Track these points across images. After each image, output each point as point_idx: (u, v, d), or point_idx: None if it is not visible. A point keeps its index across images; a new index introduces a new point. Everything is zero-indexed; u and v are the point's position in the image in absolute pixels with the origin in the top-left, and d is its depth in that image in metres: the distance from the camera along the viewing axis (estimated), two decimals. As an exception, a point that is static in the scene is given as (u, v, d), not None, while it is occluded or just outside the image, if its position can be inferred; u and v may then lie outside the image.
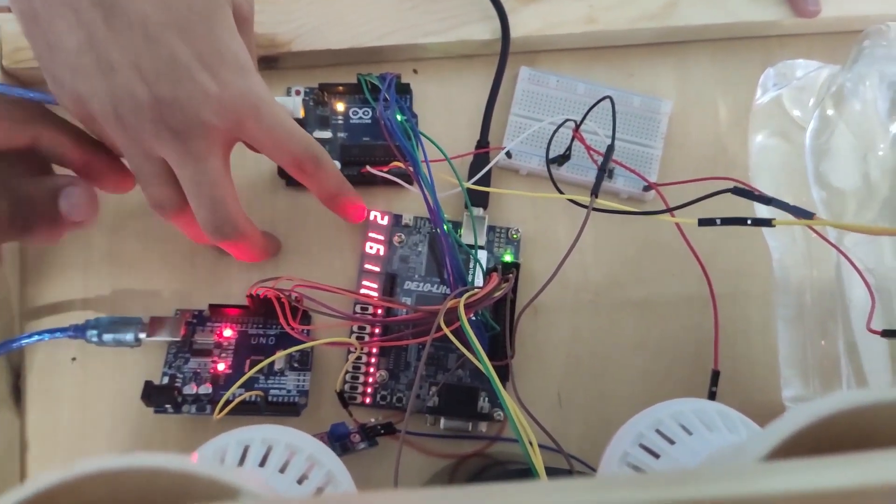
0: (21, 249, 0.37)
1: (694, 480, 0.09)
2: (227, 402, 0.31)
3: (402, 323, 0.34)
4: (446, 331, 0.29)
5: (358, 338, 0.36)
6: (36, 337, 0.35)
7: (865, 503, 0.08)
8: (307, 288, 0.33)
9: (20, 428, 0.36)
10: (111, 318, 0.35)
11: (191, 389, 0.34)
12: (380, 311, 0.36)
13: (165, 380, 0.34)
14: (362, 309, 0.36)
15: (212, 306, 0.36)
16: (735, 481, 0.08)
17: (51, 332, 0.35)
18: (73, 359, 0.36)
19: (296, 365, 0.35)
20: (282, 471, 0.21)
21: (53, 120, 0.31)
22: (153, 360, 0.36)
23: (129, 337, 0.35)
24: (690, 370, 0.37)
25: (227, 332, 0.35)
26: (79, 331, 0.35)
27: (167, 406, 0.34)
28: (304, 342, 0.33)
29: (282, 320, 0.33)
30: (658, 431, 0.20)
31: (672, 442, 0.20)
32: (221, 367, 0.35)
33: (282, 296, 0.34)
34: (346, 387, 0.35)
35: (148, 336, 0.35)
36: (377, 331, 0.36)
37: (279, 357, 0.34)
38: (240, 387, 0.33)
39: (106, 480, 0.10)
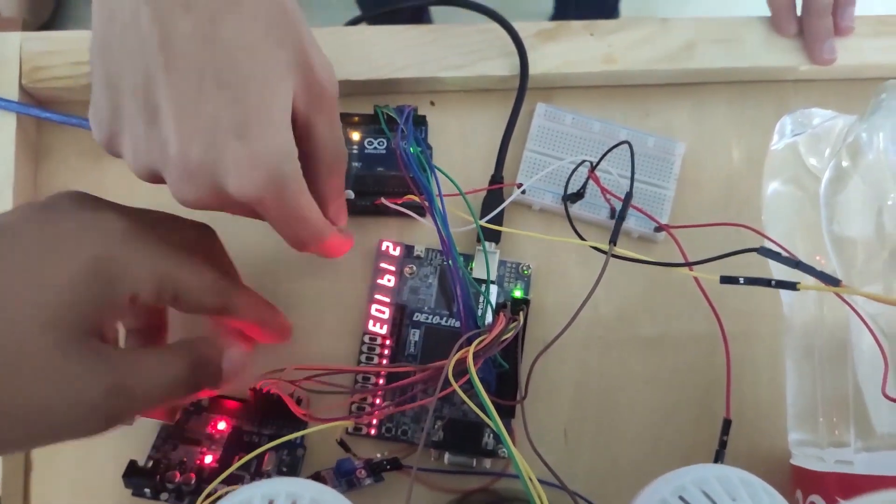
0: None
1: None
2: (209, 495, 0.30)
3: (410, 385, 0.34)
4: (456, 387, 0.28)
5: (360, 406, 0.36)
6: None
7: None
8: (312, 370, 0.33)
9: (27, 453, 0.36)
10: None
11: (173, 477, 0.32)
12: (383, 380, 0.36)
13: (150, 463, 0.33)
14: (367, 358, 0.36)
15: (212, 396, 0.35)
16: None
17: None
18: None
19: (284, 469, 0.34)
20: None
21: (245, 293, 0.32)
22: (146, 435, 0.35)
23: None
24: (698, 410, 0.37)
25: (221, 426, 0.35)
26: None
27: (146, 490, 0.33)
28: (297, 431, 0.33)
29: (293, 408, 0.33)
30: (682, 498, 0.20)
31: (694, 509, 0.20)
32: (209, 459, 0.34)
33: (284, 396, 0.33)
34: (350, 425, 0.35)
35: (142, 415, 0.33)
36: (382, 381, 0.36)
37: (266, 448, 0.33)
38: (223, 482, 0.32)
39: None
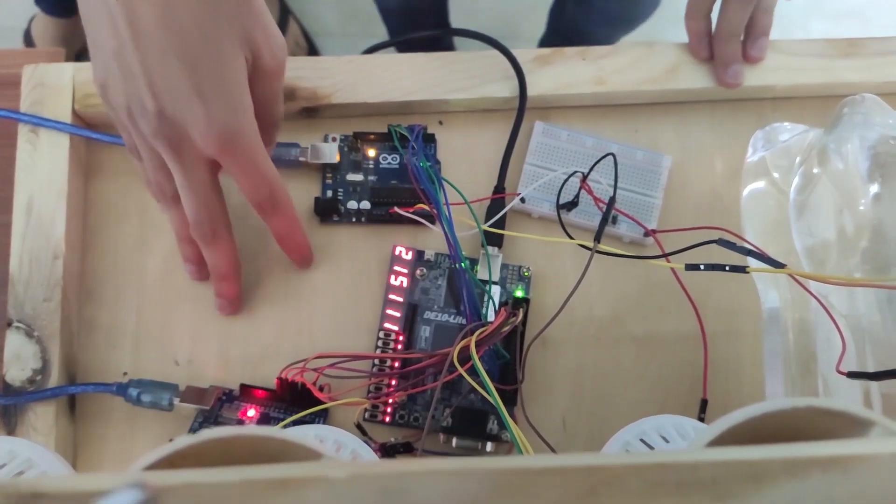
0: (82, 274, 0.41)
1: (660, 455, 0.12)
2: None
3: (420, 370, 0.38)
4: (461, 371, 0.32)
5: (377, 387, 0.39)
6: (82, 388, 0.39)
7: (763, 470, 0.11)
8: (333, 357, 0.37)
9: (74, 435, 0.39)
10: (151, 381, 0.38)
11: None
12: (397, 364, 0.39)
13: None
14: (382, 352, 0.40)
15: (243, 386, 0.39)
16: (684, 455, 0.12)
17: (95, 385, 0.39)
18: (125, 373, 0.40)
19: None
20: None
21: None
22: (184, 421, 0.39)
23: (165, 401, 0.38)
24: (684, 401, 0.40)
25: (251, 413, 0.38)
26: (121, 389, 0.38)
27: None
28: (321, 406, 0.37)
29: (315, 393, 0.37)
30: (642, 440, 0.24)
31: (652, 448, 0.24)
32: None
33: (307, 383, 0.37)
34: (368, 405, 0.39)
35: (182, 401, 0.38)
36: (396, 365, 0.39)
37: (289, 421, 0.37)
38: None
39: (223, 444, 0.14)
